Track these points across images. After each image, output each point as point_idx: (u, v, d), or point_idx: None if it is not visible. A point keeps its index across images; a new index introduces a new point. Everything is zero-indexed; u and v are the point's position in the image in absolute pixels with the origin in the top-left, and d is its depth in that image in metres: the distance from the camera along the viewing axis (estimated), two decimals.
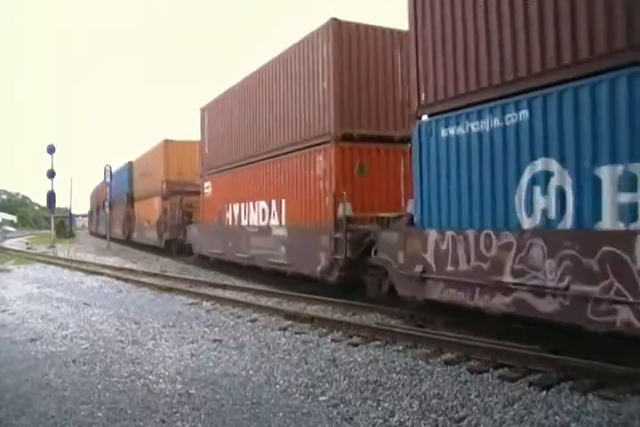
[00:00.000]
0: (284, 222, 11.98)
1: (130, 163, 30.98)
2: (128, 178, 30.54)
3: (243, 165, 14.28)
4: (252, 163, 13.67)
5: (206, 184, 17.38)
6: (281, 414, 4.55)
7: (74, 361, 6.24)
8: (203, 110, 17.70)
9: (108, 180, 31.84)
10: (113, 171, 32.97)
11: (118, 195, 32.40)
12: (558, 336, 6.12)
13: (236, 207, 14.53)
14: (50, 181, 31.59)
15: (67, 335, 7.64)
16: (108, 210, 32.67)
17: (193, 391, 5.15)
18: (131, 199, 30.21)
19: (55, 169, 31.44)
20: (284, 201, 11.97)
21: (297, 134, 11.45)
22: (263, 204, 12.86)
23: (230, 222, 14.87)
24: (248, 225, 13.65)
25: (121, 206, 31.90)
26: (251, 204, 13.54)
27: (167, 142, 23.41)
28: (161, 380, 5.51)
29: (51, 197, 32.20)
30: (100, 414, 4.61)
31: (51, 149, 31.09)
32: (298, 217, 11.39)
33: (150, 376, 5.63)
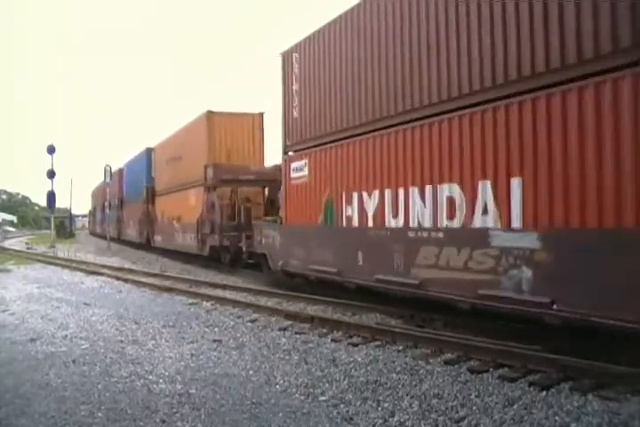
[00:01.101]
0: (522, 223, 6.30)
1: (149, 149, 24.87)
2: (146, 168, 24.60)
3: (387, 128, 8.57)
4: (413, 122, 7.99)
5: (297, 165, 11.05)
6: (281, 415, 4.55)
7: (74, 361, 6.24)
8: (287, 54, 11.60)
9: (107, 180, 31.81)
10: (125, 161, 30.25)
11: (132, 190, 27.99)
12: (558, 336, 6.11)
13: (372, 198, 8.86)
14: (50, 181, 31.59)
15: (67, 335, 7.64)
16: (107, 210, 32.61)
17: (193, 391, 5.15)
18: (151, 194, 23.98)
19: (55, 169, 31.43)
20: (517, 182, 6.33)
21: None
22: (453, 189, 7.24)
23: (359, 222, 9.16)
24: (409, 227, 7.97)
25: (136, 203, 26.57)
26: (414, 190, 7.92)
27: (211, 115, 17.31)
28: (161, 380, 5.51)
29: (51, 197, 32.21)
30: (99, 414, 4.61)
31: (51, 149, 31.10)
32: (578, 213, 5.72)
33: (150, 376, 5.63)
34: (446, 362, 5.98)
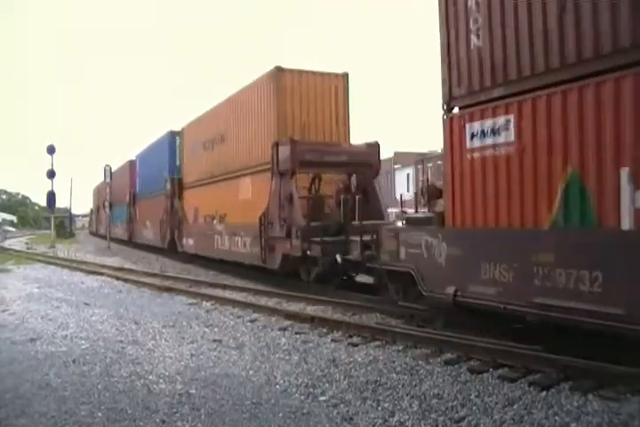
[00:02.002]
0: None
1: (172, 134, 20.86)
2: (169, 156, 20.69)
3: None
4: None
5: (483, 126, 6.77)
6: (281, 415, 4.55)
7: (74, 361, 6.24)
8: None
9: (107, 180, 31.80)
10: (137, 152, 27.27)
11: (149, 183, 23.87)
12: (558, 336, 6.11)
13: None
14: (50, 181, 31.56)
15: (67, 335, 7.64)
16: (107, 209, 32.56)
17: (193, 391, 5.14)
18: (177, 187, 19.75)
19: (55, 169, 31.39)
20: None
21: None
22: None
23: None
24: None
25: (155, 200, 22.36)
26: None
27: (281, 74, 12.67)
28: (161, 380, 5.51)
29: (51, 197, 32.19)
30: (99, 414, 4.61)
31: (51, 149, 31.07)
32: None
33: (150, 376, 5.63)
34: (446, 362, 5.98)
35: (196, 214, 17.98)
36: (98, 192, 42.02)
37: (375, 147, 12.60)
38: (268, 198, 12.28)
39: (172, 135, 20.87)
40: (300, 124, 12.57)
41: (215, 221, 15.93)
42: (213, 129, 16.34)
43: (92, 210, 54.99)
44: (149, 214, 24.11)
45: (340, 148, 12.45)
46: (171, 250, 20.56)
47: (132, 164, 28.96)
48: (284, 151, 11.73)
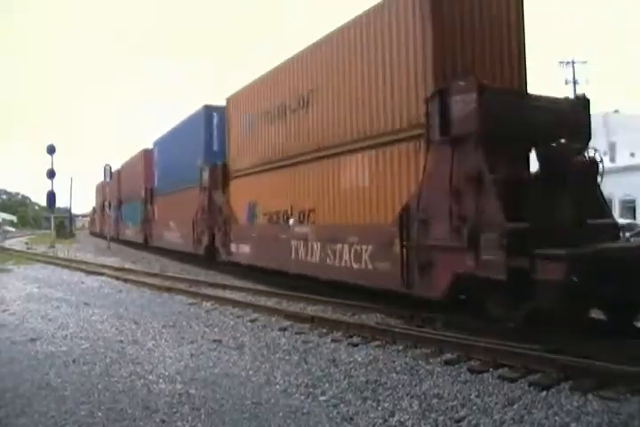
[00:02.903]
0: None
1: (208, 109, 16.51)
2: (205, 138, 16.44)
3: None
4: None
5: None
6: (281, 414, 4.55)
7: (74, 361, 6.24)
8: None
9: (107, 180, 31.79)
10: (161, 134, 22.01)
11: (174, 174, 19.35)
12: (558, 336, 6.11)
13: None
14: (50, 181, 31.57)
15: (67, 335, 7.64)
16: (108, 210, 32.52)
17: (193, 391, 5.14)
18: (221, 176, 15.00)
19: (55, 169, 31.40)
20: None
21: None
22: None
23: None
24: None
25: (184, 194, 17.94)
26: None
27: None
28: (161, 380, 5.51)
29: (51, 197, 32.20)
30: (99, 414, 4.61)
31: (51, 149, 31.08)
32: None
33: (150, 376, 5.63)
34: (446, 362, 5.97)
35: (251, 211, 13.21)
36: (104, 187, 36.58)
37: (583, 104, 7.98)
38: (418, 183, 7.67)
39: (209, 112, 16.26)
40: (461, 61, 7.75)
41: (292, 221, 11.27)
42: (286, 91, 11.55)
43: (94, 209, 50.79)
44: (175, 213, 19.46)
45: (540, 102, 7.57)
46: (209, 258, 16.02)
47: (147, 153, 24.34)
48: (462, 104, 7.02)
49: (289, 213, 11.39)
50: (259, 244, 12.68)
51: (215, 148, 16.11)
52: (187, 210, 17.57)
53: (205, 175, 15.79)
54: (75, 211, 69.01)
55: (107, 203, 32.66)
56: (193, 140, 17.41)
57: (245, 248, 13.36)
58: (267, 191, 12.42)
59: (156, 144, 23.40)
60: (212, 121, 16.47)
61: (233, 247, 14.15)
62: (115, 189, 32.12)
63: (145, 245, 25.12)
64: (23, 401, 4.93)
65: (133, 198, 27.16)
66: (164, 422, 4.43)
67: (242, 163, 13.80)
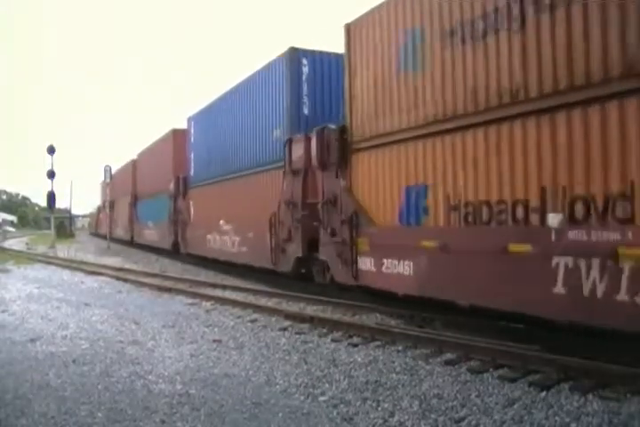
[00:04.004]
0: None
1: (294, 54, 11.41)
2: (290, 97, 11.39)
3: None
4: None
5: None
6: (281, 415, 4.54)
7: (74, 361, 6.24)
8: None
9: (107, 180, 31.78)
10: (199, 108, 17.15)
11: (239, 151, 13.91)
12: (558, 336, 6.12)
13: None
14: (50, 181, 31.53)
15: (67, 336, 7.64)
16: (108, 210, 32.47)
17: (193, 392, 5.14)
18: (337, 147, 9.39)
19: (55, 169, 31.36)
20: None
21: None
22: None
23: None
24: None
25: (255, 179, 12.89)
26: None
27: None
28: (161, 380, 5.51)
29: (51, 197, 32.17)
30: (99, 414, 4.61)
31: (51, 150, 31.05)
32: None
33: (150, 376, 5.63)
34: (446, 362, 5.97)
35: (415, 203, 7.82)
36: (110, 185, 32.99)
37: None
38: None
39: (295, 58, 11.28)
40: None
41: (555, 220, 5.79)
42: None
43: (98, 207, 44.85)
44: (231, 209, 14.30)
45: None
46: (301, 277, 11.32)
47: (177, 135, 19.61)
48: None
49: (540, 204, 5.95)
50: (441, 262, 7.16)
51: (306, 111, 11.29)
52: (256, 204, 12.59)
53: (298, 150, 10.67)
54: (74, 211, 69.08)
55: (107, 204, 32.37)
56: (267, 104, 12.39)
57: (402, 268, 7.86)
58: (458, 167, 6.99)
59: (192, 120, 17.84)
60: (299, 72, 11.33)
61: (365, 264, 8.75)
62: (128, 182, 27.71)
63: (175, 252, 19.67)
64: (23, 402, 4.92)
65: (156, 192, 21.82)
66: (163, 422, 4.43)
67: (383, 124, 8.40)
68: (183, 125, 19.22)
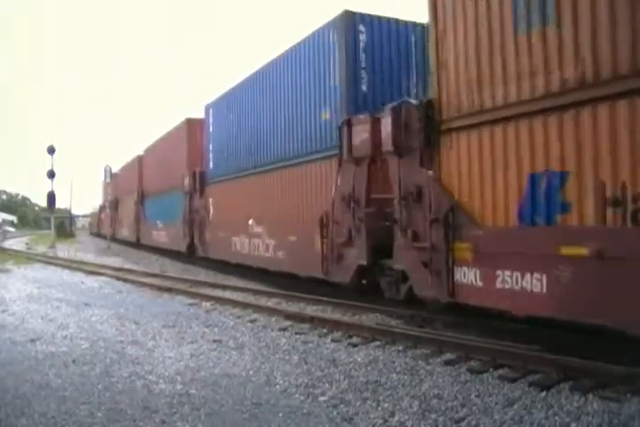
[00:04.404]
0: None
1: (350, 18, 9.37)
2: (347, 66, 9.29)
3: None
4: None
5: None
6: (281, 415, 4.54)
7: (74, 361, 6.24)
8: None
9: (107, 180, 31.77)
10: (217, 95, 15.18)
11: (272, 138, 12.00)
12: (558, 336, 6.12)
13: None
14: (50, 181, 31.52)
15: (67, 336, 7.64)
16: (108, 210, 32.43)
17: (193, 392, 5.14)
18: (423, 124, 7.41)
19: (55, 169, 31.34)
20: None
21: None
22: None
23: None
24: None
25: (293, 172, 11.01)
26: None
27: None
28: (161, 380, 5.51)
29: (51, 197, 32.17)
30: (99, 414, 4.61)
31: (51, 150, 31.04)
32: None
33: (150, 376, 5.63)
34: (446, 362, 5.97)
35: (549, 193, 5.85)
36: (113, 183, 31.46)
37: None
38: None
39: (350, 23, 9.41)
40: None
41: None
42: None
43: (100, 206, 42.11)
44: (262, 209, 12.36)
45: None
46: (367, 290, 9.30)
47: (192, 125, 17.89)
48: None
49: None
50: (595, 275, 5.30)
51: (364, 87, 9.38)
52: (299, 202, 10.77)
53: (361, 134, 8.56)
54: (74, 211, 69.09)
55: (107, 204, 32.29)
56: (312, 81, 10.33)
57: (528, 282, 5.97)
58: (621, 147, 5.23)
59: (211, 108, 15.95)
60: (355, 41, 9.40)
61: (467, 276, 6.78)
62: (133, 180, 25.91)
63: (190, 256, 17.98)
64: (23, 402, 4.92)
65: (167, 190, 20.03)
66: (163, 422, 4.43)
67: (492, 96, 6.52)
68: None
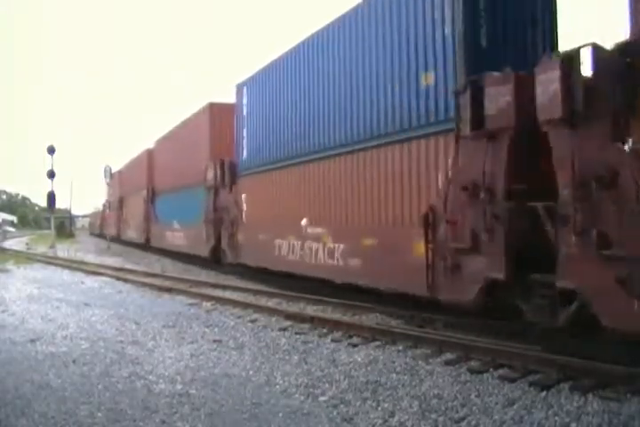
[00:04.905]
0: None
1: None
2: (467, 12, 6.92)
3: None
4: None
5: None
6: (281, 415, 4.54)
7: (74, 361, 6.24)
8: None
9: (108, 180, 31.76)
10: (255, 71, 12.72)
11: (344, 114, 9.34)
12: (558, 336, 6.11)
13: None
14: (50, 181, 31.50)
15: (67, 336, 7.63)
16: (114, 209, 32.32)
17: (193, 392, 5.14)
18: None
19: (55, 169, 31.31)
20: None
21: None
22: None
23: None
24: None
25: (382, 152, 8.38)
26: None
27: None
28: (161, 380, 5.50)
29: (51, 197, 32.16)
30: (99, 414, 4.61)
31: (51, 150, 31.01)
32: None
33: (150, 376, 5.63)
34: (446, 362, 5.97)
35: None
36: (119, 179, 29.77)
37: None
38: None
39: None
40: None
41: None
42: None
43: (104, 205, 38.96)
44: (322, 205, 10.14)
45: None
46: (494, 313, 7.02)
47: (215, 110, 15.99)
48: None
49: None
50: None
51: (484, 42, 7.16)
52: (384, 194, 8.43)
53: (498, 99, 6.39)
54: (74, 211, 69.09)
55: (107, 203, 32.20)
56: (405, 35, 7.99)
57: None
58: None
59: (245, 87, 13.54)
60: None
61: None
62: (142, 175, 23.79)
63: (215, 262, 15.45)
64: (23, 402, 4.92)
65: (185, 185, 17.81)
66: (163, 422, 4.43)
67: None
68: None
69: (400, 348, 6.63)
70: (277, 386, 5.30)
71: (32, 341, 7.32)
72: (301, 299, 10.24)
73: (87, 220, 72.06)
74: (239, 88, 13.93)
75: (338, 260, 9.49)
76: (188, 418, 4.49)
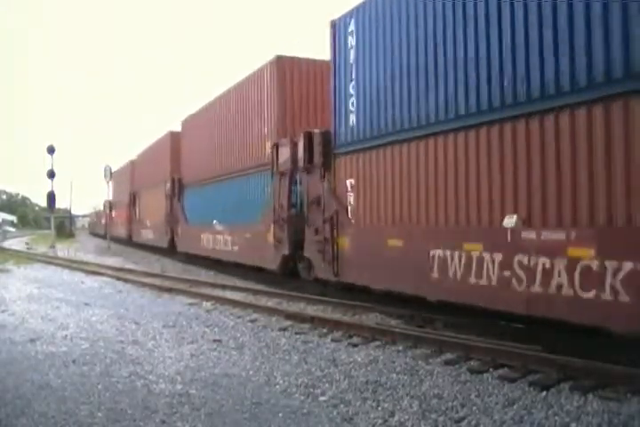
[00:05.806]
0: None
1: None
2: None
3: None
4: None
5: None
6: (281, 415, 4.54)
7: (74, 361, 6.24)
8: None
9: (108, 180, 31.73)
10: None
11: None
12: (558, 336, 6.12)
13: None
14: (50, 181, 31.50)
15: (67, 336, 7.63)
16: (108, 211, 32.29)
17: (193, 392, 5.14)
18: None
19: (55, 169, 31.31)
20: None
21: None
22: None
23: None
24: None
25: None
26: None
27: None
28: (161, 380, 5.50)
29: (51, 197, 32.16)
30: (99, 414, 4.61)
31: (51, 150, 31.02)
32: None
33: (150, 376, 5.63)
34: (446, 362, 5.97)
35: None
36: (131, 172, 26.06)
37: None
38: None
39: None
40: None
41: None
42: None
43: (107, 203, 34.24)
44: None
45: None
46: None
47: (282, 64, 11.94)
48: None
49: None
50: None
51: None
52: None
53: None
54: (74, 211, 69.09)
55: (106, 203, 32.06)
56: None
57: None
58: None
59: (354, 19, 9.18)
60: None
61: None
62: (163, 164, 20.15)
63: (287, 275, 11.99)
64: (23, 402, 4.92)
65: (233, 172, 14.14)
66: (163, 422, 4.43)
67: None
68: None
69: (400, 348, 6.63)
70: (277, 386, 5.30)
71: (32, 341, 7.32)
72: (301, 299, 10.25)
73: (87, 220, 72.07)
74: (339, 24, 9.66)
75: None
76: (188, 418, 4.49)
